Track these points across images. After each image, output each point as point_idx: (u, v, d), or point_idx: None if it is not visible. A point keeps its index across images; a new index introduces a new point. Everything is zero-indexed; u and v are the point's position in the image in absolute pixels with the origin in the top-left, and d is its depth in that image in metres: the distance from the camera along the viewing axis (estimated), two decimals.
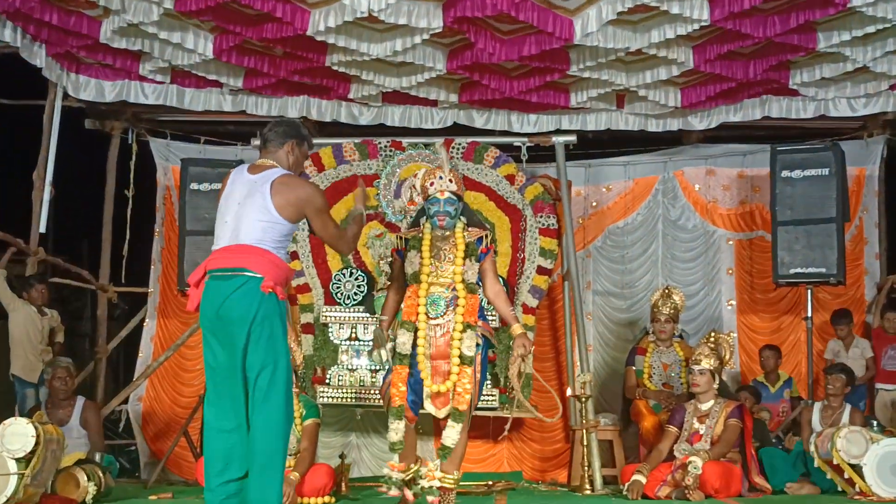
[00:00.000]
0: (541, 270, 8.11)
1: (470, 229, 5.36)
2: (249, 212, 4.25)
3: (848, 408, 7.03)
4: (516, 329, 5.22)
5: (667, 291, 7.80)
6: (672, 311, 7.72)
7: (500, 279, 7.51)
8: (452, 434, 5.11)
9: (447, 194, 5.24)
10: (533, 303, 8.09)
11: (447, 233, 5.28)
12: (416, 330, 5.21)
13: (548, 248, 8.11)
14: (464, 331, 5.16)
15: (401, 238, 5.41)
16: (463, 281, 5.21)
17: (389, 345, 5.27)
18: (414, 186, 5.52)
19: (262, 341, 4.16)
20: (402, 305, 5.30)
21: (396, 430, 5.15)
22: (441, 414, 5.18)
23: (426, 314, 5.19)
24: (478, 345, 5.23)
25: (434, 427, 7.48)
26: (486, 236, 5.36)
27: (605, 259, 9.20)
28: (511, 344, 5.42)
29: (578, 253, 8.71)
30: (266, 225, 4.23)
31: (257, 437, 4.15)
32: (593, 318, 9.07)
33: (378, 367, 5.51)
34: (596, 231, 9.21)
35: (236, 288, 4.18)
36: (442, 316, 5.18)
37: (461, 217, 5.35)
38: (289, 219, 4.28)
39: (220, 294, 4.21)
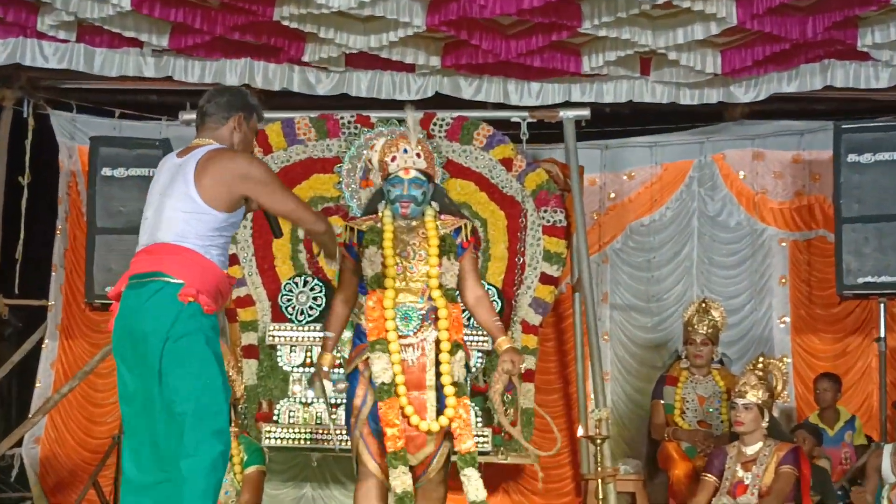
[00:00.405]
0: (545, 279, 8.14)
1: (444, 217, 5.23)
2: (170, 203, 4.26)
3: None
4: (503, 342, 5.11)
5: (704, 306, 7.84)
6: (710, 331, 7.77)
7: (495, 290, 7.75)
8: (478, 486, 5.03)
9: (413, 173, 5.09)
10: (535, 320, 8.11)
11: (414, 223, 5.16)
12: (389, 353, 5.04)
13: (554, 250, 8.14)
14: (453, 352, 5.06)
15: (352, 229, 5.18)
16: (441, 286, 5.08)
17: (341, 385, 5.14)
18: (370, 161, 5.30)
19: (180, 364, 4.15)
20: (363, 320, 5.11)
21: (402, 480, 4.94)
22: (416, 460, 5.04)
23: (395, 331, 5.04)
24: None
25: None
26: (466, 226, 5.21)
27: (627, 265, 9.24)
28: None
29: (592, 257, 8.73)
30: (188, 216, 4.23)
31: (185, 492, 4.12)
32: (611, 339, 9.12)
33: (337, 402, 5.38)
34: (615, 229, 9.26)
35: (149, 297, 4.18)
36: (415, 333, 5.05)
37: (431, 203, 5.21)
38: (218, 205, 4.23)
39: (131, 306, 4.23)
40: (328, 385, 5.19)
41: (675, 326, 8.72)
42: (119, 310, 4.29)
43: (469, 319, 6.42)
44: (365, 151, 8.13)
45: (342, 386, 5.18)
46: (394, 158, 5.09)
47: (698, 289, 9.04)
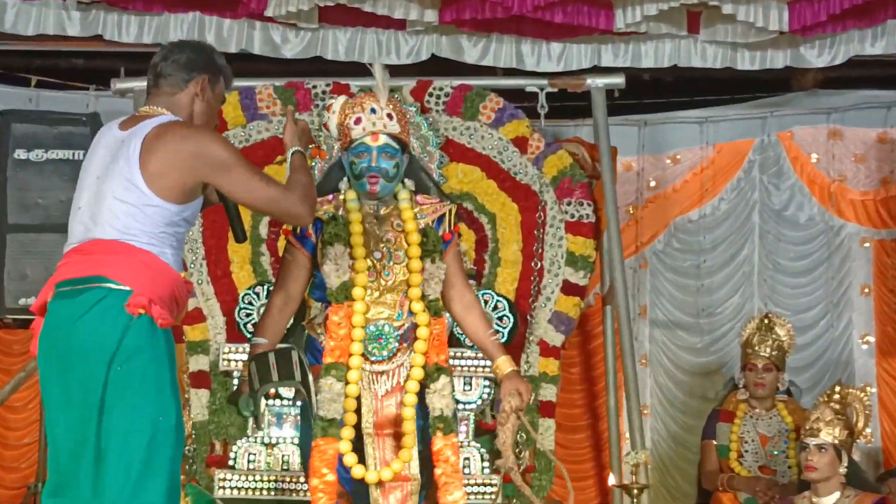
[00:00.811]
0: (569, 288, 8.18)
1: (421, 200, 5.14)
2: (110, 189, 4.21)
3: None
4: (503, 365, 5.07)
5: (766, 322, 7.87)
6: (775, 353, 7.79)
7: (506, 302, 7.79)
8: None
9: (383, 139, 4.96)
10: (556, 339, 8.14)
11: (384, 209, 5.07)
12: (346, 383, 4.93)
13: (580, 252, 8.17)
14: (434, 378, 4.98)
15: None
16: (423, 297, 5.00)
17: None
18: (326, 125, 5.16)
19: (128, 394, 4.07)
20: (320, 334, 5.06)
21: None
22: None
23: (364, 356, 4.95)
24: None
25: None
26: (451, 212, 5.15)
27: (670, 270, 9.33)
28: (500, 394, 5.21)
29: (628, 261, 8.80)
30: (132, 208, 4.18)
31: None
32: (651, 364, 9.21)
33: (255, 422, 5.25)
34: (656, 227, 9.36)
35: (87, 308, 4.11)
36: (390, 359, 4.98)
37: (404, 179, 5.11)
38: (168, 195, 4.18)
39: (62, 321, 4.15)
40: (262, 402, 5.09)
41: (732, 348, 8.77)
42: (45, 326, 4.22)
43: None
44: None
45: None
46: (358, 120, 4.98)
47: (760, 301, 9.10)
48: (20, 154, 8.05)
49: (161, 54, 4.46)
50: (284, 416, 7.73)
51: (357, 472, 4.89)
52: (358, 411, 4.95)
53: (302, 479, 7.40)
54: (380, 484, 4.93)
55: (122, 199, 4.17)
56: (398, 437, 4.98)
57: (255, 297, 7.92)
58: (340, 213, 4.99)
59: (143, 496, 4.08)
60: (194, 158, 4.18)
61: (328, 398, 4.85)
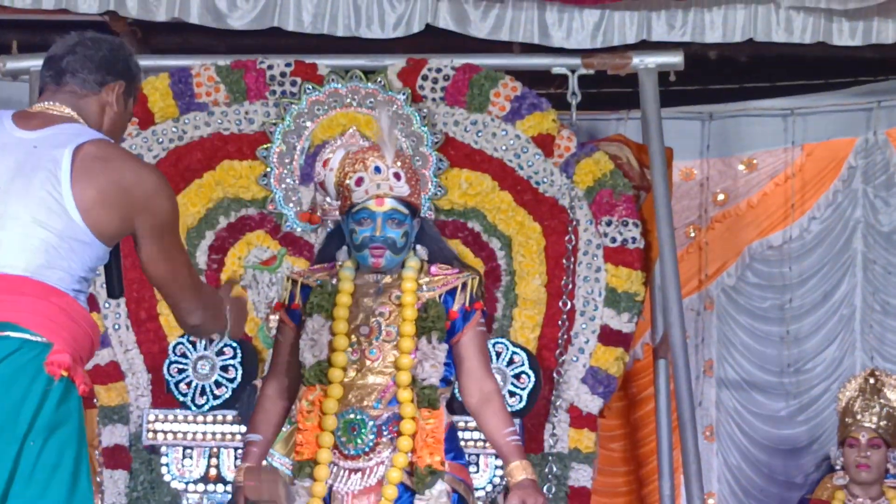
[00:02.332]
0: (609, 337, 8.10)
1: (434, 271, 5.38)
2: (24, 208, 4.15)
3: None
4: (516, 471, 5.18)
5: (873, 382, 7.82)
6: (885, 423, 7.75)
7: (524, 355, 7.68)
8: None
9: (390, 203, 5.20)
10: (593, 405, 8.05)
11: (388, 278, 5.32)
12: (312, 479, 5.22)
13: (624, 289, 8.11)
14: (428, 484, 5.13)
15: (295, 282, 5.41)
16: (414, 383, 5.18)
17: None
18: (321, 184, 5.43)
19: (41, 478, 3.99)
20: (293, 423, 5.41)
21: None
22: None
23: (338, 449, 5.19)
24: None
25: None
26: (468, 284, 5.31)
27: (745, 313, 9.34)
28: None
29: (688, 300, 8.86)
30: (55, 239, 4.12)
31: None
32: (718, 437, 9.21)
33: None
34: (726, 254, 9.35)
35: None
36: (366, 454, 5.15)
37: (415, 247, 5.35)
38: (103, 233, 4.17)
39: None
40: None
41: (827, 416, 8.78)
42: None
43: None
44: (309, 124, 8.22)
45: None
46: (359, 181, 5.22)
47: (864, 353, 9.11)
48: None
49: (67, 45, 4.47)
50: None
51: None
52: None
53: None
54: None
55: (43, 225, 4.14)
56: None
57: (188, 348, 7.90)
58: (333, 282, 5.34)
59: None
60: (142, 205, 4.24)
61: (300, 502, 5.19)
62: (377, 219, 5.18)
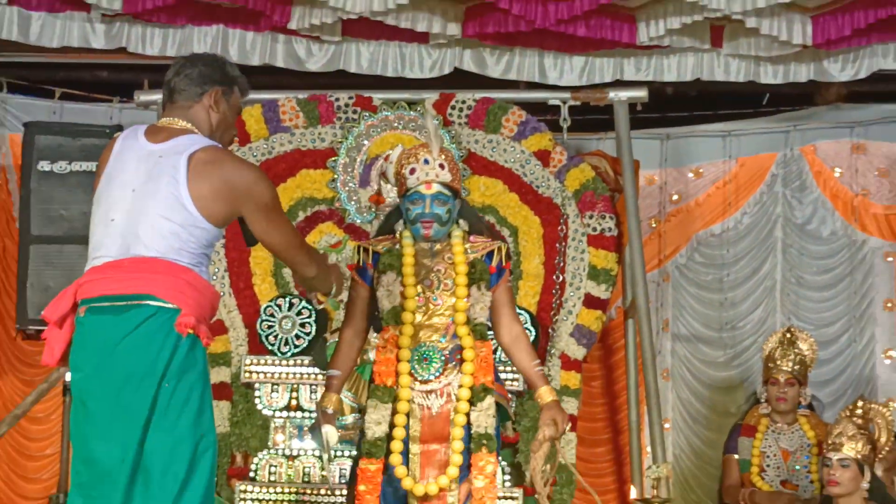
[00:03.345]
0: (591, 302, 8.18)
1: (473, 239, 5.42)
2: (153, 205, 4.25)
3: None
4: (545, 394, 5.28)
5: (789, 336, 7.86)
6: (797, 368, 7.76)
7: (528, 315, 7.76)
8: None
9: (436, 187, 5.26)
10: (578, 353, 8.14)
11: (438, 245, 5.34)
12: (395, 401, 5.20)
13: (602, 266, 8.18)
14: (480, 398, 5.19)
15: (366, 250, 5.40)
16: (468, 321, 5.25)
17: (349, 419, 5.27)
18: (384, 174, 5.61)
19: (175, 412, 4.14)
20: (371, 359, 5.36)
21: None
22: None
23: (412, 375, 5.21)
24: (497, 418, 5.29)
25: None
26: (500, 249, 5.40)
27: (693, 284, 9.30)
28: (538, 417, 5.38)
29: (650, 274, 8.80)
30: (178, 227, 4.24)
31: None
32: (673, 378, 9.18)
33: (327, 455, 5.57)
34: (678, 240, 9.34)
35: (135, 326, 4.15)
36: (437, 378, 5.21)
37: (458, 221, 5.40)
38: (215, 219, 4.30)
39: (106, 337, 4.17)
40: (332, 434, 5.28)
41: (754, 362, 8.78)
42: (80, 342, 4.23)
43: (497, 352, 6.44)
44: (366, 142, 8.26)
45: (333, 434, 5.30)
46: (413, 171, 5.27)
47: (782, 315, 9.09)
48: (44, 166, 8.10)
49: (174, 69, 4.52)
50: (305, 429, 7.75)
51: (406, 483, 5.12)
52: (407, 427, 5.20)
53: (323, 492, 7.47)
54: (424, 498, 5.16)
55: (168, 217, 4.22)
56: (444, 452, 5.21)
57: (276, 308, 7.91)
58: (397, 248, 5.31)
59: None
60: (242, 191, 4.28)
61: (375, 419, 5.17)
62: (426, 199, 5.20)
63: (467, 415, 5.18)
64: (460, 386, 5.18)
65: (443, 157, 5.30)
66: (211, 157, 4.28)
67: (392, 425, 5.17)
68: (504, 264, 5.37)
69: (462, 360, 5.21)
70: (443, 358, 5.21)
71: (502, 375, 7.31)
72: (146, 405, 4.10)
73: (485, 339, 5.26)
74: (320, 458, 7.34)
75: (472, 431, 5.18)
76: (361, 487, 5.17)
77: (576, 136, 8.73)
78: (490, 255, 5.36)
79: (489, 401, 5.19)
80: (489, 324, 5.36)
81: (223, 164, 4.29)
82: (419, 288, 5.24)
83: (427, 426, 5.20)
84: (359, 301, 5.40)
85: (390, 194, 5.58)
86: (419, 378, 5.20)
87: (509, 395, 5.83)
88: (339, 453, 7.32)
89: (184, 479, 4.11)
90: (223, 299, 8.19)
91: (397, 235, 5.38)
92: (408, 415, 5.19)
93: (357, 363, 5.52)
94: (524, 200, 8.28)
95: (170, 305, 4.16)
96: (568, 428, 5.61)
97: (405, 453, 5.19)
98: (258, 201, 4.32)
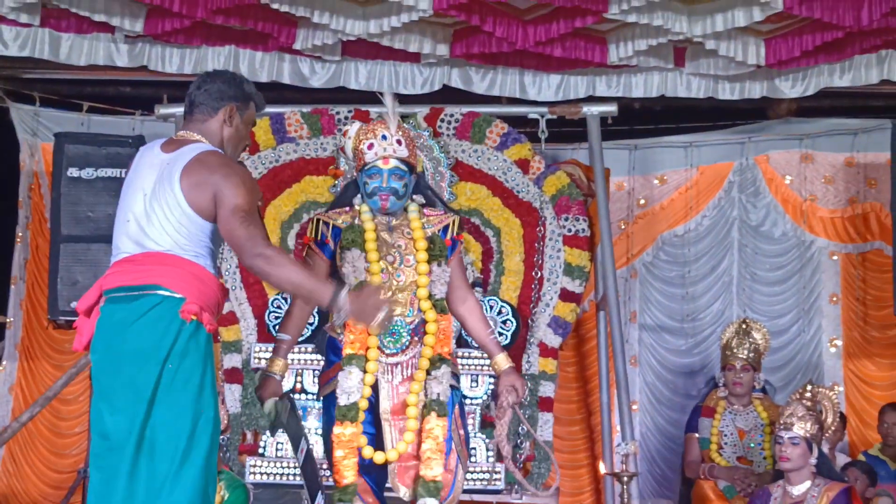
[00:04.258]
0: (566, 296, 8.15)
1: (428, 212, 5.24)
2: (160, 206, 4.27)
3: None
4: (501, 362, 5.13)
5: (744, 327, 7.87)
6: (752, 355, 7.80)
7: (509, 308, 7.74)
8: None
9: (393, 162, 5.06)
10: (554, 341, 8.11)
11: (394, 220, 5.16)
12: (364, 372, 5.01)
13: (576, 263, 8.14)
14: (436, 366, 5.02)
15: (325, 224, 5.16)
16: (430, 296, 5.07)
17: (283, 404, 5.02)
18: (342, 149, 5.27)
19: (177, 389, 4.15)
20: (338, 333, 5.11)
21: None
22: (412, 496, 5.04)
23: (380, 349, 5.03)
24: (453, 388, 5.11)
25: None
26: (454, 222, 5.23)
27: (658, 280, 9.33)
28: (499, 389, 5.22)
29: (619, 271, 8.80)
30: (180, 226, 4.24)
31: None
32: (640, 364, 9.20)
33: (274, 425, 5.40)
34: (644, 240, 9.35)
35: (144, 312, 4.17)
36: (403, 351, 5.06)
37: (413, 196, 5.21)
38: (202, 212, 4.25)
39: (118, 323, 4.20)
40: (272, 403, 5.03)
41: (713, 350, 8.79)
42: (98, 327, 4.24)
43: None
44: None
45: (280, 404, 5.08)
46: (370, 146, 5.07)
47: (738, 308, 9.12)
48: (73, 172, 8.11)
49: (195, 84, 4.50)
50: (309, 409, 7.70)
51: (372, 454, 4.96)
52: (376, 399, 5.03)
53: (325, 466, 7.37)
54: (401, 469, 5.02)
55: (170, 216, 4.23)
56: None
57: (283, 301, 7.88)
58: (356, 222, 5.09)
59: (183, 479, 4.13)
60: (214, 182, 4.21)
61: (350, 385, 4.94)
62: (384, 174, 5.01)
63: (424, 383, 5.02)
64: (422, 357, 5.02)
65: (400, 133, 5.11)
66: (205, 158, 4.27)
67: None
68: (457, 236, 5.21)
69: (425, 333, 5.04)
70: (409, 331, 5.03)
71: (482, 360, 7.30)
72: (151, 383, 4.12)
73: (444, 313, 5.10)
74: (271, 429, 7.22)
75: (426, 397, 5.02)
76: (338, 453, 4.98)
77: (553, 147, 8.73)
78: (445, 229, 5.19)
79: (444, 369, 5.02)
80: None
81: (212, 162, 4.25)
82: (382, 264, 5.02)
83: (396, 398, 5.03)
84: (317, 272, 5.02)
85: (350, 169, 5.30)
86: (386, 351, 5.02)
87: (458, 364, 5.48)
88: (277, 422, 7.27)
89: (184, 451, 4.11)
90: (235, 293, 8.14)
91: (356, 208, 5.17)
92: (374, 387, 5.02)
93: (303, 329, 5.26)
94: (506, 204, 8.24)
95: (176, 295, 4.17)
96: (527, 395, 5.51)
97: (377, 423, 5.04)
98: (226, 189, 4.19)
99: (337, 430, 4.97)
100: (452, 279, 5.15)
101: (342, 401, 4.95)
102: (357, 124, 5.24)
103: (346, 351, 4.99)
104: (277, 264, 4.19)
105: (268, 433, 7.51)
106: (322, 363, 7.23)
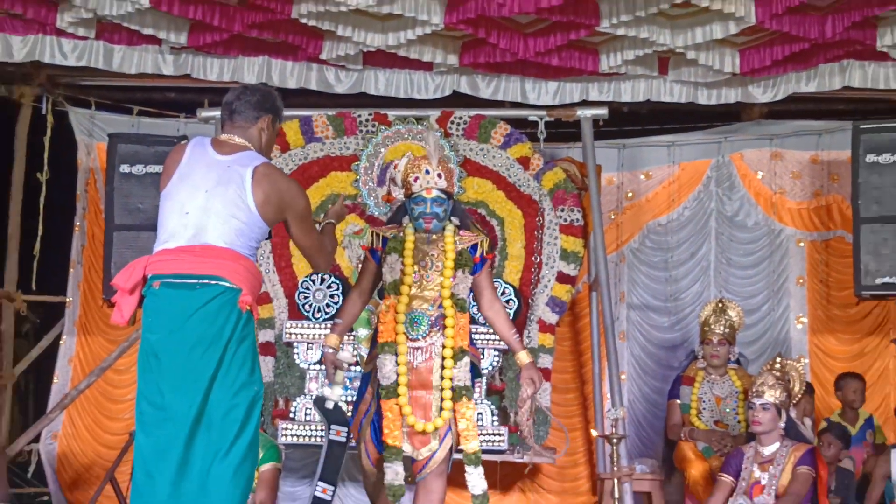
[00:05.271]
0: (562, 278, 8.18)
1: (462, 233, 5.55)
2: (222, 205, 4.28)
3: None
4: (523, 357, 5.48)
5: (720, 305, 7.87)
6: (727, 331, 7.80)
7: (512, 288, 7.79)
8: (479, 482, 5.40)
9: (435, 192, 5.42)
10: (552, 318, 8.15)
11: (434, 236, 5.49)
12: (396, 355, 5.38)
13: (571, 249, 8.18)
14: (457, 357, 5.38)
15: (377, 235, 5.56)
16: (452, 296, 5.41)
17: (349, 356, 5.51)
18: (393, 180, 5.66)
19: (235, 371, 4.19)
20: (376, 322, 5.50)
21: (395, 473, 5.32)
22: (421, 455, 5.37)
23: (405, 335, 5.38)
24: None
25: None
26: (482, 243, 5.54)
27: (644, 264, 9.28)
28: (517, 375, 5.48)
29: (610, 256, 8.79)
30: (242, 226, 4.29)
31: (212, 500, 4.14)
32: (628, 339, 9.16)
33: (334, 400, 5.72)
34: (632, 229, 9.29)
35: (207, 301, 4.20)
36: (424, 338, 5.39)
37: (451, 218, 5.54)
38: (269, 220, 4.37)
39: (181, 307, 4.20)
40: (340, 374, 5.47)
41: (692, 326, 8.73)
42: (157, 310, 4.24)
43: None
44: (382, 150, 8.26)
45: (347, 356, 5.53)
46: (416, 179, 5.42)
47: (715, 289, 9.07)
48: (124, 168, 8.15)
49: (235, 94, 4.53)
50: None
51: (410, 420, 5.32)
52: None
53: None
54: (413, 433, 5.36)
55: (235, 216, 4.27)
56: (426, 397, 5.39)
57: (311, 283, 7.94)
58: (401, 235, 5.49)
59: (237, 447, 4.20)
60: (287, 202, 4.37)
61: (389, 369, 5.35)
62: (427, 202, 5.40)
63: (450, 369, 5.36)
64: (444, 346, 5.37)
65: (440, 167, 5.43)
66: (269, 171, 4.34)
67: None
68: (486, 255, 5.53)
69: (444, 326, 5.38)
70: (429, 322, 5.38)
71: (490, 335, 7.41)
72: (213, 364, 4.16)
73: (464, 311, 5.44)
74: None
75: (453, 384, 5.36)
76: (387, 420, 5.32)
77: (550, 146, 8.66)
78: (475, 246, 5.51)
79: (466, 360, 5.40)
80: (472, 301, 5.55)
81: (277, 178, 4.36)
82: (416, 267, 5.40)
83: (414, 376, 5.37)
84: (367, 273, 5.57)
85: (400, 194, 5.60)
86: (410, 336, 5.37)
87: (479, 355, 5.90)
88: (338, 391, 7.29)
89: (241, 424, 4.18)
90: (268, 275, 8.20)
91: (403, 226, 5.52)
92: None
93: (356, 317, 5.66)
94: (509, 197, 8.27)
95: (234, 286, 4.22)
96: (542, 385, 5.71)
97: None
98: (298, 210, 4.41)
99: (385, 405, 5.33)
100: (482, 290, 5.53)
101: (384, 382, 5.33)
102: (405, 158, 5.60)
103: (381, 339, 5.38)
104: (326, 253, 4.67)
105: (310, 400, 7.56)
106: (346, 337, 7.43)
